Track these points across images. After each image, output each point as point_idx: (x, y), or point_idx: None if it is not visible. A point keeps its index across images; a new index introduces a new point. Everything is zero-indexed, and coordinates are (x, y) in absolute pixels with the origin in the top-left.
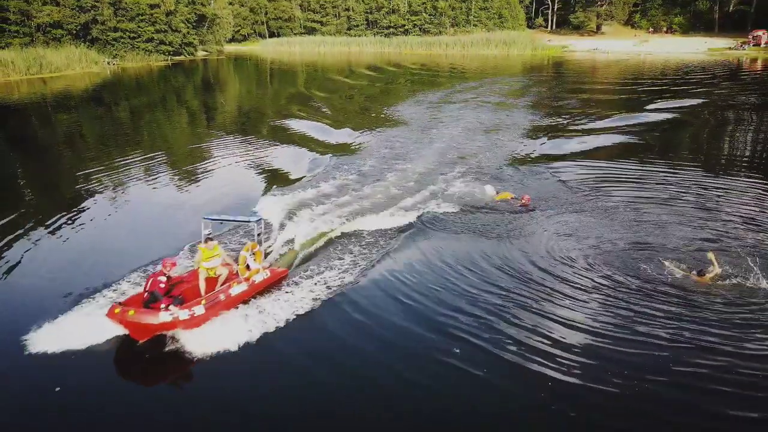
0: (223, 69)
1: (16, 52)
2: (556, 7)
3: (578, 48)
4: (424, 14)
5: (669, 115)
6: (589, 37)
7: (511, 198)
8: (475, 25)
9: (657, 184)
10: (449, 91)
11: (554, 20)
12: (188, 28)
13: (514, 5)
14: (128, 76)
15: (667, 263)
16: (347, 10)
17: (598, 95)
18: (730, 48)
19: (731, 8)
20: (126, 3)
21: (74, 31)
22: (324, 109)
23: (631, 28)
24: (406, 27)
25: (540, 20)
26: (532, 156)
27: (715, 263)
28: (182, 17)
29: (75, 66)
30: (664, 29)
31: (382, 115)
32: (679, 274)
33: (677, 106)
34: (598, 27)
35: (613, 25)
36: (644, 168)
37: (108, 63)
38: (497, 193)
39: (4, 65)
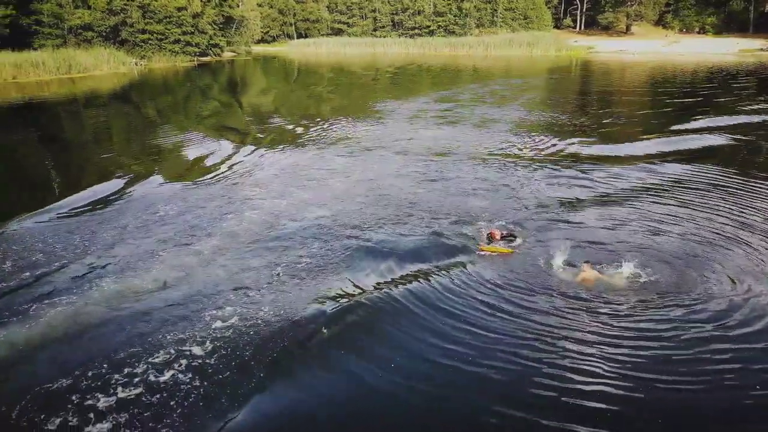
0: (244, 69)
1: (47, 53)
2: (584, 7)
3: (604, 49)
4: (449, 15)
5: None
6: (617, 38)
7: (511, 252)
8: (500, 26)
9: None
10: (442, 93)
11: (582, 21)
12: (215, 29)
13: (539, 6)
14: (154, 76)
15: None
16: (374, 11)
17: (610, 106)
18: (761, 49)
19: (767, 8)
20: (154, 6)
21: (104, 33)
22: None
23: (663, 28)
24: (431, 28)
25: (568, 21)
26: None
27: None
28: (209, 19)
29: (103, 66)
30: (696, 30)
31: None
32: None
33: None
34: (628, 27)
35: (642, 26)
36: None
37: (135, 64)
38: (489, 238)
39: (36, 66)
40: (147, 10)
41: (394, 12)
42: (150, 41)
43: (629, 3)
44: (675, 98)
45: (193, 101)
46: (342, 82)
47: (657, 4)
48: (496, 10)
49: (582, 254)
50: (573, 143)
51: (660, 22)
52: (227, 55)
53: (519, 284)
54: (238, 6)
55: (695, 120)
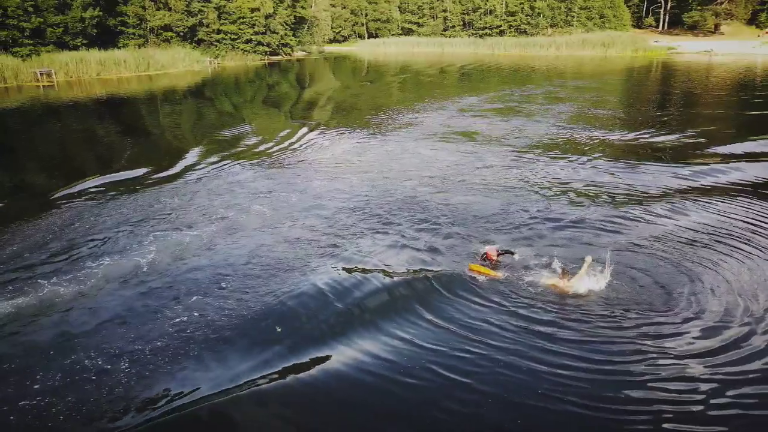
0: (311, 68)
1: (129, 52)
2: (668, 5)
3: (687, 49)
4: (520, 14)
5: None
6: (704, 38)
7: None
8: (573, 26)
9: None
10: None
11: (666, 20)
12: (286, 29)
13: (618, 5)
14: (225, 74)
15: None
16: (444, 11)
17: (667, 117)
18: None
19: None
20: (229, 7)
21: (182, 33)
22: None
23: (756, 27)
24: (502, 28)
25: (650, 20)
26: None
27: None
28: (281, 20)
29: (178, 64)
30: None
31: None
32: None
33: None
34: (716, 27)
35: (733, 25)
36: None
37: (210, 62)
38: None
39: (118, 63)
40: (222, 12)
41: (465, 12)
42: (224, 41)
43: (718, 1)
44: (752, 109)
45: (255, 99)
46: (399, 81)
47: (750, 1)
48: (570, 9)
49: (570, 268)
50: (604, 162)
51: (753, 21)
52: (298, 54)
53: (494, 298)
54: (311, 7)
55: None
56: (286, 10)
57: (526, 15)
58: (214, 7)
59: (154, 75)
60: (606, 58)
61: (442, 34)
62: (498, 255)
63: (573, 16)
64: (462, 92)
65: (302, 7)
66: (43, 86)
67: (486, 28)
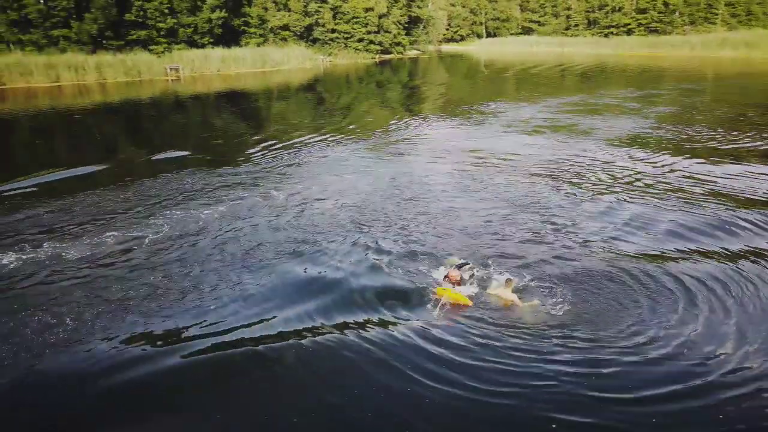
0: (420, 67)
1: (248, 50)
2: None
3: None
4: (652, 12)
5: None
6: None
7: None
8: (715, 23)
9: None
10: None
11: None
12: (399, 29)
13: None
14: (336, 72)
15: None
16: (568, 9)
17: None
18: None
19: None
20: (344, 8)
21: (299, 33)
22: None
23: None
24: (631, 26)
25: None
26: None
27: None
28: (394, 19)
29: (292, 62)
30: None
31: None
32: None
33: None
34: None
35: None
36: None
37: (322, 60)
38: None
39: (236, 61)
40: (338, 12)
41: (590, 9)
42: (337, 39)
43: None
44: None
45: (353, 94)
46: (499, 80)
47: None
48: (711, 5)
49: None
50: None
51: None
52: (412, 53)
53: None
54: (428, 6)
55: None
56: (401, 9)
57: (659, 12)
58: (330, 8)
59: (268, 71)
60: (748, 60)
61: (563, 33)
62: (461, 277)
63: (715, 13)
64: (545, 94)
65: (418, 7)
66: (171, 80)
67: (612, 26)
